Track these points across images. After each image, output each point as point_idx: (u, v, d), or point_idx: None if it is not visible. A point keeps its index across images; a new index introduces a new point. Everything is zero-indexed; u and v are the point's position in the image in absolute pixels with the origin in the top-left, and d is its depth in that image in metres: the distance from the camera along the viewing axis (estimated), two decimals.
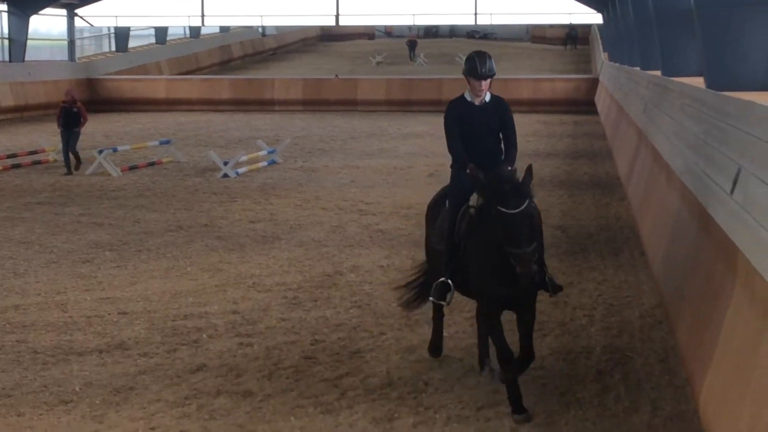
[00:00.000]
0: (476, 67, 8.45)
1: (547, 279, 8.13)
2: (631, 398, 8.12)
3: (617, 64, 32.96)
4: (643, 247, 13.58)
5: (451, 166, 8.73)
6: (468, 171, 8.25)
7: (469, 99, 8.61)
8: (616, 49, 34.96)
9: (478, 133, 8.53)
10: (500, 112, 8.58)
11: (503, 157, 8.55)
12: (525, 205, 7.47)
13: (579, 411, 7.78)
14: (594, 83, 42.14)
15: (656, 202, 13.50)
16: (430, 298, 8.68)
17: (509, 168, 8.21)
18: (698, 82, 13.54)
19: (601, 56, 45.70)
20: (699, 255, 9.01)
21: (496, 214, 7.47)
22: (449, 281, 8.39)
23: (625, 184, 19.11)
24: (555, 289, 8.21)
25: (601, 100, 37.19)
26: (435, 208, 9.11)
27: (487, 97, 8.58)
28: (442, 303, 8.56)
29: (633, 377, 8.65)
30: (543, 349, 9.16)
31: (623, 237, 15.01)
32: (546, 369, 8.79)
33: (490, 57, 8.56)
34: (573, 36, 73.71)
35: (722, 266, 7.85)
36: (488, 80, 8.50)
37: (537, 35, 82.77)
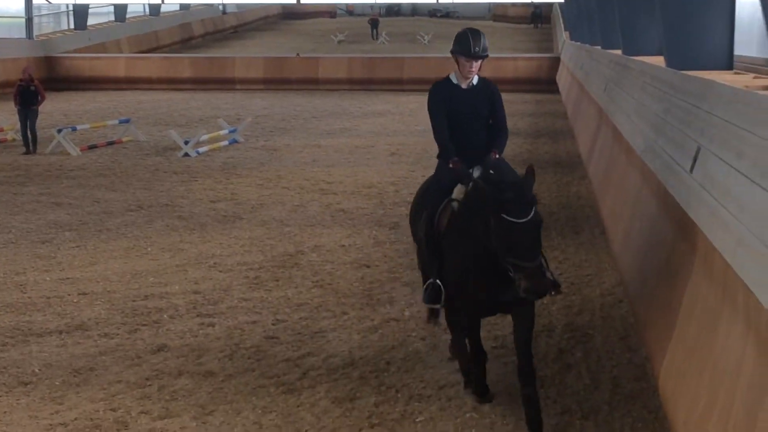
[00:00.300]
0: (469, 45, 7.70)
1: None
2: (592, 376, 8.17)
3: (578, 43, 33.04)
4: (604, 225, 13.65)
5: (438, 156, 8.02)
6: (451, 165, 7.67)
7: (455, 81, 7.89)
8: (578, 28, 35.03)
9: (466, 120, 7.84)
10: (489, 95, 7.90)
11: (493, 142, 7.86)
12: (533, 213, 6.71)
13: (541, 389, 7.82)
14: (556, 62, 42.24)
15: (617, 181, 13.56)
16: (424, 303, 7.96)
17: (495, 156, 7.68)
18: (659, 61, 13.59)
19: (562, 35, 45.81)
20: (659, 233, 9.06)
21: (499, 223, 6.67)
22: (438, 282, 7.63)
23: (586, 163, 19.19)
24: (554, 287, 7.34)
25: (562, 79, 37.29)
26: (418, 205, 8.23)
27: (475, 80, 7.90)
28: (437, 307, 7.83)
29: (594, 355, 8.70)
30: (505, 327, 9.19)
31: (584, 216, 15.07)
32: (508, 348, 8.82)
33: (484, 35, 7.81)
34: (538, 14, 74.01)
35: (682, 244, 7.90)
36: (480, 61, 7.77)
37: (499, 14, 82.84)
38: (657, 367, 7.63)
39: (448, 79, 7.95)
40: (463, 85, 7.88)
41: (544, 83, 40.16)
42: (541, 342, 9.05)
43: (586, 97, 23.91)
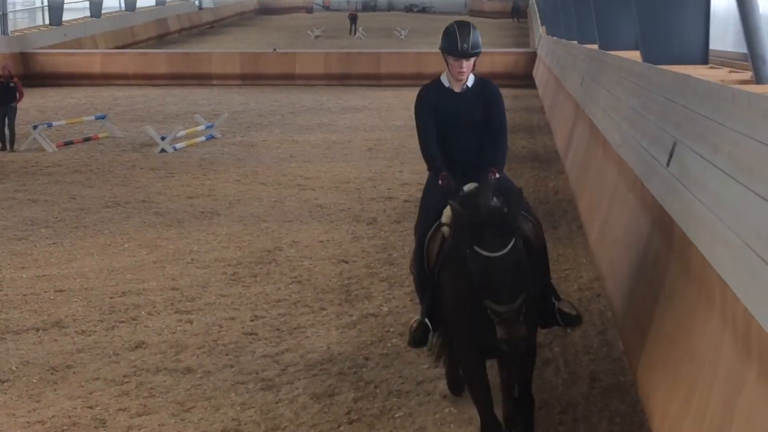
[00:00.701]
0: (456, 41, 6.70)
1: (556, 311, 6.68)
2: (570, 370, 8.20)
3: (555, 38, 33.11)
4: (581, 220, 13.69)
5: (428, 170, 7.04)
6: (440, 182, 6.67)
7: (446, 84, 6.90)
8: (554, 23, 35.10)
9: (459, 128, 6.84)
10: (487, 99, 6.88)
11: (491, 158, 6.81)
12: (510, 246, 5.66)
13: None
14: (532, 57, 42.31)
15: (593, 176, 13.61)
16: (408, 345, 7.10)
17: (495, 176, 6.62)
18: (635, 55, 13.64)
19: (539, 30, 45.89)
20: (636, 228, 9.10)
21: (471, 255, 5.71)
22: (427, 320, 6.69)
23: (563, 158, 19.23)
24: (570, 321, 6.71)
25: (539, 73, 37.37)
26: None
27: (470, 81, 6.89)
28: (423, 348, 6.95)
29: (571, 350, 8.73)
30: None
31: (561, 210, 15.12)
32: None
33: (474, 29, 6.80)
34: (516, 9, 74.33)
35: (658, 239, 7.94)
36: (471, 60, 6.76)
37: (475, 8, 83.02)
38: (634, 361, 7.67)
39: (438, 81, 6.98)
40: (456, 88, 6.89)
41: (521, 78, 40.17)
42: None
43: (562, 91, 23.96)
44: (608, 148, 12.43)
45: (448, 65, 6.82)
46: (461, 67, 6.75)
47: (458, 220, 5.90)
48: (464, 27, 6.76)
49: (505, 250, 5.63)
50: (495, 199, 5.79)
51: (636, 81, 11.71)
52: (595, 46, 19.07)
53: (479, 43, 6.77)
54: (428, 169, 6.94)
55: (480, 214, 5.70)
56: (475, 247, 5.64)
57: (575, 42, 24.60)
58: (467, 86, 6.88)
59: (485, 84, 6.97)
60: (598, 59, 17.35)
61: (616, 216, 10.63)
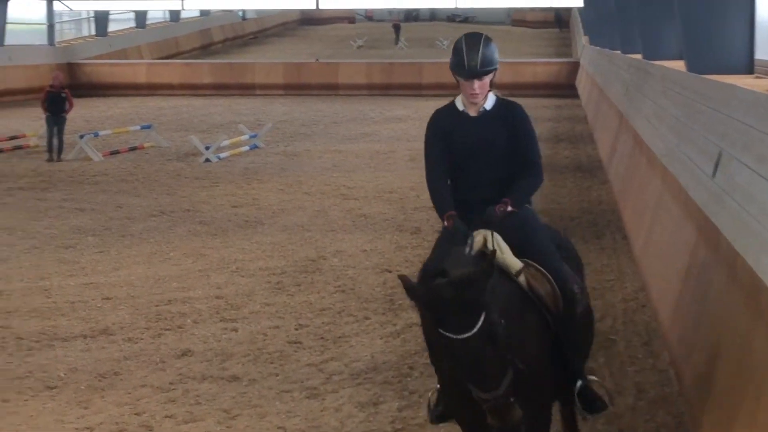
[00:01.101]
0: (462, 59, 5.64)
1: (578, 391, 5.75)
2: (615, 381, 8.17)
3: (598, 48, 33.00)
4: (625, 230, 13.65)
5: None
6: (445, 223, 5.61)
7: (461, 108, 5.83)
8: (597, 32, 34.98)
9: (474, 159, 5.74)
10: (510, 124, 5.74)
11: (510, 189, 5.67)
12: (478, 325, 4.66)
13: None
14: (575, 67, 42.20)
15: (637, 186, 13.56)
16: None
17: (507, 208, 5.53)
18: (679, 65, 13.59)
19: (581, 40, 45.76)
20: (681, 238, 9.06)
21: (438, 337, 4.82)
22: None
23: (607, 168, 19.17)
24: (593, 407, 5.81)
25: (582, 83, 37.25)
26: None
27: (488, 103, 5.79)
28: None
29: (616, 361, 8.70)
30: None
31: (605, 220, 15.06)
32: None
33: (488, 42, 5.73)
34: (559, 18, 74.19)
35: (704, 249, 7.91)
36: (485, 79, 5.67)
37: (518, 18, 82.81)
38: (681, 372, 7.63)
39: (452, 104, 5.91)
40: (471, 112, 5.80)
41: (564, 88, 40.10)
42: None
43: (605, 101, 23.89)
44: (652, 158, 12.39)
45: (459, 85, 5.78)
46: (473, 89, 5.67)
47: (416, 299, 4.88)
48: (473, 40, 5.68)
49: (471, 332, 4.66)
50: (461, 268, 4.85)
51: (680, 91, 11.67)
52: (639, 56, 18.99)
53: (492, 59, 5.68)
54: (434, 208, 5.82)
55: (435, 293, 4.72)
56: (440, 330, 4.74)
57: (618, 52, 24.52)
58: (485, 109, 5.78)
59: (508, 106, 5.82)
60: (641, 69, 17.30)
61: (660, 226, 10.59)
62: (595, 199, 17.06)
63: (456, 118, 5.81)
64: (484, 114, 5.77)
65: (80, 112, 34.13)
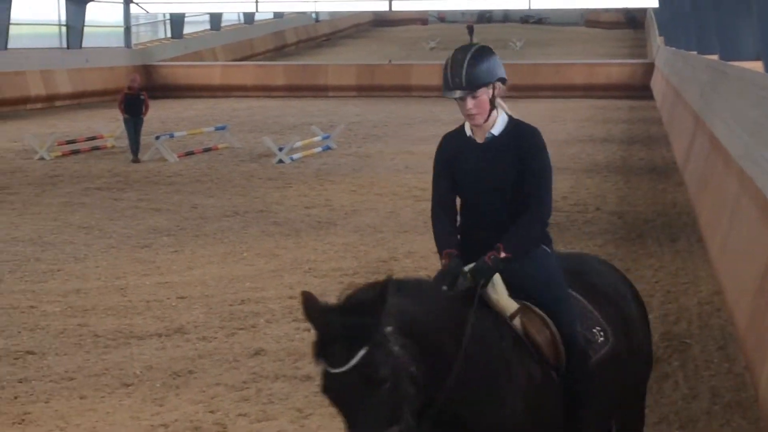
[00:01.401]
0: (446, 76, 4.97)
1: None
2: (690, 385, 8.08)
3: (673, 49, 32.64)
4: (701, 233, 13.48)
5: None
6: (442, 261, 5.02)
7: (468, 133, 5.11)
8: (672, 33, 34.61)
9: (479, 191, 5.02)
10: (520, 151, 4.95)
11: (507, 233, 4.88)
12: (356, 359, 4.00)
13: None
14: (650, 68, 41.76)
15: (714, 188, 13.39)
16: None
17: (500, 255, 4.77)
18: (757, 66, 13.40)
19: (656, 40, 45.28)
20: (758, 241, 8.93)
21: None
22: None
23: (682, 170, 18.95)
24: None
25: (656, 85, 36.85)
26: None
27: (497, 128, 5.03)
28: None
29: (691, 364, 8.60)
30: None
31: (680, 223, 14.89)
32: None
33: (480, 54, 4.95)
34: (633, 19, 73.56)
35: None
36: (479, 95, 4.92)
37: (591, 19, 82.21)
38: (757, 377, 7.52)
39: (461, 128, 5.19)
40: (478, 138, 5.07)
41: (638, 89, 39.70)
42: None
43: (681, 103, 23.61)
44: (729, 160, 12.22)
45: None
46: (466, 108, 4.94)
47: (307, 319, 4.19)
48: (459, 54, 4.96)
49: (349, 365, 3.99)
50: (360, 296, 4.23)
51: (758, 92, 11.50)
52: (715, 57, 18.76)
53: (485, 73, 4.91)
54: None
55: (322, 316, 4.13)
56: (320, 359, 4.10)
57: (694, 53, 24.23)
58: (492, 135, 5.03)
59: (520, 132, 5.02)
60: (718, 70, 17.07)
61: (737, 229, 10.45)
62: (670, 201, 16.87)
63: (462, 145, 5.10)
64: (492, 141, 5.01)
65: (156, 114, 34.57)
